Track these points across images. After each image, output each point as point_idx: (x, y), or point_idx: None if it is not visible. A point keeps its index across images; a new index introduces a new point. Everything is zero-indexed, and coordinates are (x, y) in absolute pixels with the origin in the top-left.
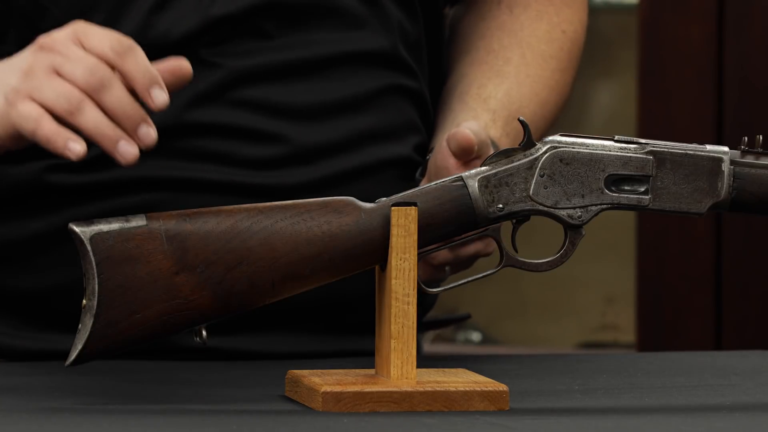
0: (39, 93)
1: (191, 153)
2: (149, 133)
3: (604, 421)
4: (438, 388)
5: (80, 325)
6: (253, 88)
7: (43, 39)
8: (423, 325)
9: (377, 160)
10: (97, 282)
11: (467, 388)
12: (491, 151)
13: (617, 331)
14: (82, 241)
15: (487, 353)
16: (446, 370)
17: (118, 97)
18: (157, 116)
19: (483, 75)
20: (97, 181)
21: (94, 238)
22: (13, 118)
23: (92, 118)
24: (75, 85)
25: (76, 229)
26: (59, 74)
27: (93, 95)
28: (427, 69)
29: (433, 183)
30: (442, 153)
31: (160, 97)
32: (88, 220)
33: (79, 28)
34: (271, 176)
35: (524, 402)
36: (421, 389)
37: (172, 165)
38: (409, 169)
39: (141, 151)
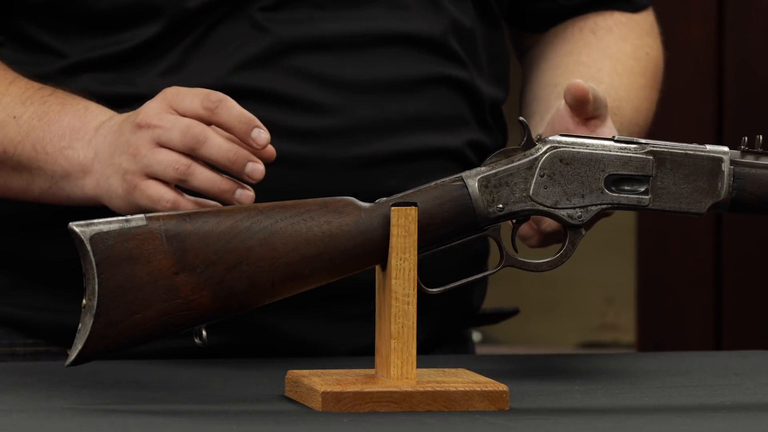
0: (150, 169)
1: None
2: (256, 169)
3: (604, 421)
4: (438, 388)
5: (80, 325)
6: (303, 56)
7: (139, 117)
8: (472, 321)
9: (426, 147)
10: (97, 282)
11: (467, 388)
12: (607, 111)
13: (617, 331)
14: (82, 241)
15: (487, 353)
16: (446, 370)
17: (217, 147)
18: (203, 78)
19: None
20: None
21: (94, 238)
22: (138, 200)
23: (204, 178)
24: (176, 151)
25: (76, 229)
26: (161, 145)
27: (194, 153)
28: (484, 63)
29: (432, 183)
30: (559, 115)
31: (261, 137)
32: (88, 220)
33: (169, 94)
34: (316, 149)
35: (524, 402)
36: (421, 389)
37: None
38: (460, 164)
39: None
